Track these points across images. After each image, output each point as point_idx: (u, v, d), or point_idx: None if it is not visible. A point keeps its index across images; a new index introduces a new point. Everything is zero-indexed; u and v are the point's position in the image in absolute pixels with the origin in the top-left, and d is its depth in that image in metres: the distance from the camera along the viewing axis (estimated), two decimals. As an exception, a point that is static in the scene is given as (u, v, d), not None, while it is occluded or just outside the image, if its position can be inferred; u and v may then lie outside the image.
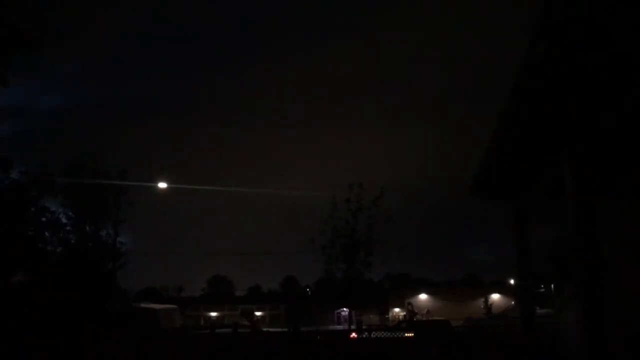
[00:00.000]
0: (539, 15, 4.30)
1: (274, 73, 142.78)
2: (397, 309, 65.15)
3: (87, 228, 19.23)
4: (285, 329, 22.76)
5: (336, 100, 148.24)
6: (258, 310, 78.89)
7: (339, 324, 63.62)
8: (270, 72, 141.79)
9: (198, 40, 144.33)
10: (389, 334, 17.24)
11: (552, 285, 39.18)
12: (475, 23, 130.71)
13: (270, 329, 30.19)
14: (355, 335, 17.19)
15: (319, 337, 17.07)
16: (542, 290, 40.25)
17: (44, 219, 14.27)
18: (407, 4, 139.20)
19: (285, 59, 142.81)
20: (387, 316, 67.42)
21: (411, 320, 39.88)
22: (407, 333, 17.84)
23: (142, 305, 22.43)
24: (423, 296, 64.75)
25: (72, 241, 17.89)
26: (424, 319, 44.83)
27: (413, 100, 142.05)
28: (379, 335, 16.51)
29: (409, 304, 54.62)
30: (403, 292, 66.96)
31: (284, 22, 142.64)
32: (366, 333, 18.46)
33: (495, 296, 61.29)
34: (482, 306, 54.59)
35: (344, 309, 58.23)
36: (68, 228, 17.79)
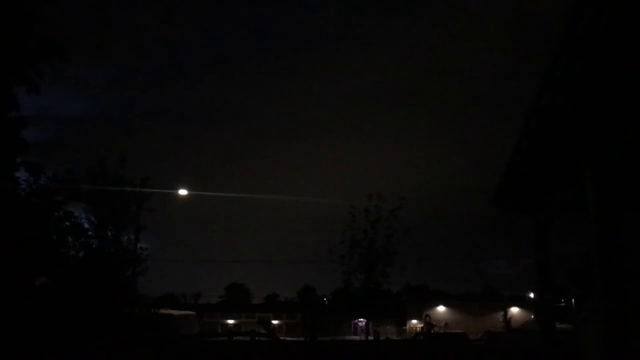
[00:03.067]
0: (561, 29, 4.31)
1: (292, 82, 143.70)
2: (414, 321, 64.65)
3: (109, 233, 19.53)
4: (302, 338, 22.75)
5: (356, 111, 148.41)
6: (275, 319, 78.87)
7: (355, 334, 63.29)
8: (288, 81, 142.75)
9: (222, 49, 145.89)
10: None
11: (573, 300, 38.60)
12: (495, 35, 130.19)
13: (287, 338, 30.19)
14: None
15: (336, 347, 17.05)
16: (563, 304, 39.68)
17: (67, 223, 14.52)
18: (426, 15, 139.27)
19: (304, 69, 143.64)
20: (404, 328, 66.92)
21: (428, 332, 39.58)
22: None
23: (161, 311, 22.63)
24: (441, 308, 64.19)
25: (94, 246, 18.18)
26: (441, 331, 44.47)
27: (435, 113, 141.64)
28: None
29: (427, 316, 54.24)
30: (421, 304, 66.45)
31: (304, 32, 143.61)
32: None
33: (514, 310, 60.48)
34: (501, 320, 53.91)
35: (361, 319, 57.96)
36: (90, 233, 18.09)
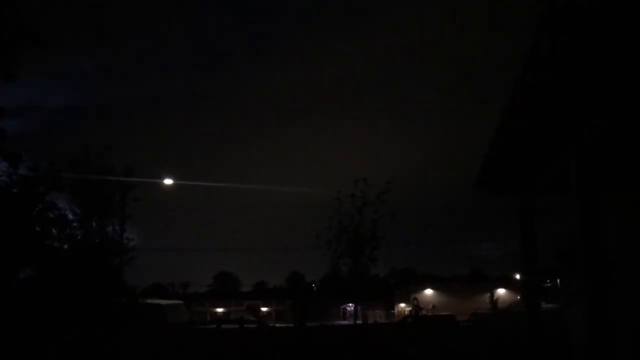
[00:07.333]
0: (544, 5, 4.27)
1: (278, 71, 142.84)
2: (402, 304, 65.13)
3: (94, 224, 19.36)
4: (292, 325, 22.83)
5: (342, 98, 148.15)
6: (264, 306, 79.12)
7: (344, 319, 63.70)
8: (274, 69, 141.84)
9: (205, 38, 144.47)
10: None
11: (558, 280, 39.04)
12: (480, 20, 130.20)
13: (277, 325, 30.26)
14: None
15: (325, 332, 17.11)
16: (548, 285, 40.16)
17: (50, 214, 14.32)
18: (411, 4, 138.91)
19: (290, 57, 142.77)
20: (392, 311, 67.45)
21: (417, 315, 39.84)
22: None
23: (149, 300, 22.52)
24: (429, 291, 64.71)
25: (79, 237, 17.98)
26: (429, 314, 44.82)
27: (419, 97, 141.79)
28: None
29: (415, 299, 54.45)
30: (409, 287, 66.94)
31: (289, 20, 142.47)
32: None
33: (501, 291, 61.11)
34: (487, 301, 54.45)
35: (350, 304, 58.30)
36: (75, 224, 17.88)
